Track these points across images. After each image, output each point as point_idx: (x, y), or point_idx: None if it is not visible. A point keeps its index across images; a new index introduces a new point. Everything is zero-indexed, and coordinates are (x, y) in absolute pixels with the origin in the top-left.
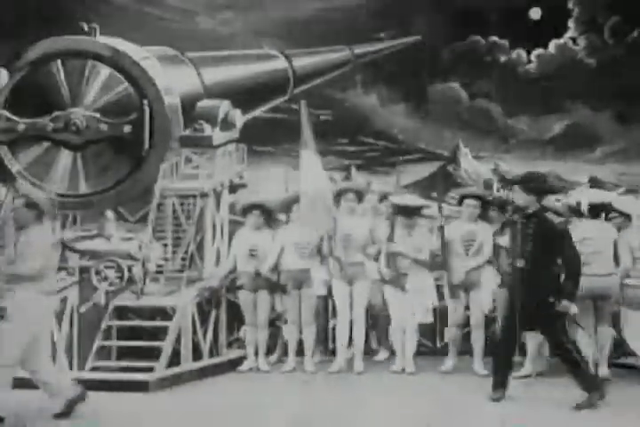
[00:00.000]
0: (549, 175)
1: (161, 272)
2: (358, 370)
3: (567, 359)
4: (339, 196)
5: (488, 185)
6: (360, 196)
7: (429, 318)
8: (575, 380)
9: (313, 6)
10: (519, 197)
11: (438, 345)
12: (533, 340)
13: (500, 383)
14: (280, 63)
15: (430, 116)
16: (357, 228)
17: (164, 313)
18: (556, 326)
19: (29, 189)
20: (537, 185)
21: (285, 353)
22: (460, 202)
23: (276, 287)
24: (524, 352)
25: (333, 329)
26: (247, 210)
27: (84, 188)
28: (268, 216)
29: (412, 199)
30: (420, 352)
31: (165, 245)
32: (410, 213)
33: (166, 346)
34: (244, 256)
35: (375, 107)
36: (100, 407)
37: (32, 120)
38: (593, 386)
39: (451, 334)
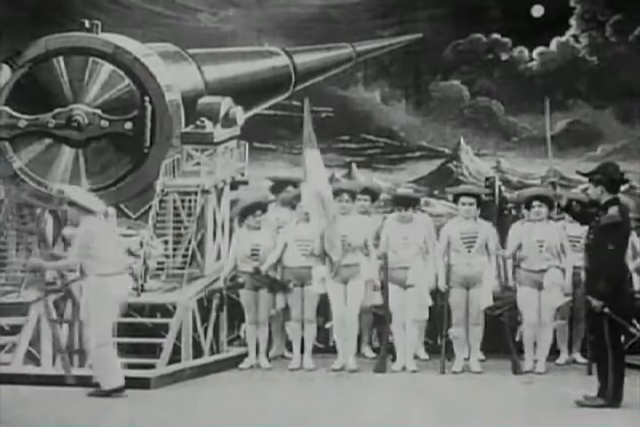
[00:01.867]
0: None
1: (162, 269)
2: (351, 368)
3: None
4: (334, 196)
5: (490, 183)
6: (354, 196)
7: (425, 315)
8: (599, 382)
9: (314, 3)
10: (590, 190)
11: (439, 343)
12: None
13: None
14: (281, 60)
15: (432, 113)
16: (353, 228)
17: (165, 310)
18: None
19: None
20: (603, 176)
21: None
22: (456, 200)
23: (276, 285)
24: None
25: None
26: (247, 210)
27: (85, 184)
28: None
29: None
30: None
31: (166, 242)
32: (408, 203)
33: (167, 343)
34: (245, 256)
35: (377, 104)
36: (101, 404)
37: (34, 117)
38: (614, 396)
39: (456, 332)
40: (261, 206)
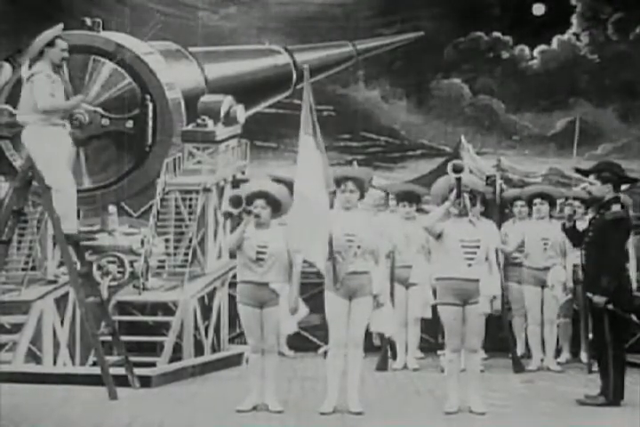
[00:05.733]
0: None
1: (163, 267)
2: (353, 410)
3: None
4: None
5: (491, 182)
6: (361, 186)
7: (428, 313)
8: (601, 380)
9: (316, 1)
10: (595, 188)
11: (440, 341)
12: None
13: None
14: (283, 58)
15: (433, 112)
16: (363, 227)
17: (166, 308)
18: (595, 320)
19: None
20: (612, 174)
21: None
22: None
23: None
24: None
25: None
26: (249, 200)
27: (86, 183)
28: (276, 208)
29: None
30: (421, 348)
31: (167, 241)
32: (412, 199)
33: (168, 341)
34: (249, 258)
35: (378, 102)
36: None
37: None
38: (614, 394)
39: None
40: (265, 196)
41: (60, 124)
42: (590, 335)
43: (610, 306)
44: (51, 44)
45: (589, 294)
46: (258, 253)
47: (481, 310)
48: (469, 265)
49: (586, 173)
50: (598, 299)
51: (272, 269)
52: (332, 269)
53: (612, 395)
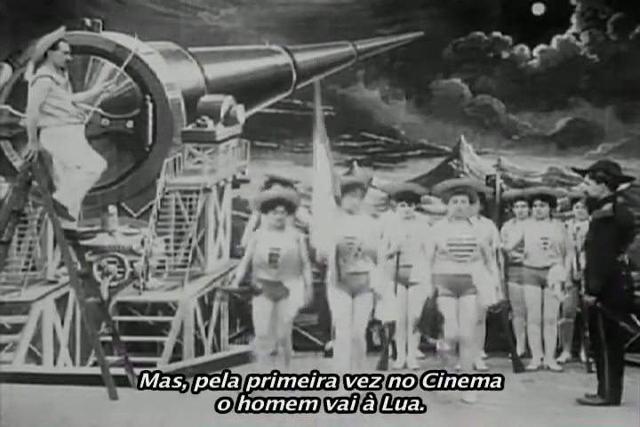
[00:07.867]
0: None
1: (163, 267)
2: None
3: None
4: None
5: (491, 181)
6: (363, 189)
7: None
8: (598, 379)
9: (316, 2)
10: (590, 188)
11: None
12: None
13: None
14: (283, 59)
15: (433, 111)
16: (363, 230)
17: (167, 308)
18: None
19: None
20: (606, 173)
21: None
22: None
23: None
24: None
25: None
26: (268, 206)
27: None
28: (292, 211)
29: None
30: (421, 348)
31: (168, 241)
32: (410, 198)
33: (169, 341)
34: (263, 261)
35: (377, 102)
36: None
37: None
38: (612, 393)
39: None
40: (284, 202)
41: (73, 124)
42: (587, 334)
43: (599, 305)
44: (54, 47)
45: (581, 293)
46: (271, 255)
47: (484, 303)
48: (465, 262)
49: (582, 172)
50: (588, 298)
51: (285, 271)
52: (336, 269)
53: (609, 394)
